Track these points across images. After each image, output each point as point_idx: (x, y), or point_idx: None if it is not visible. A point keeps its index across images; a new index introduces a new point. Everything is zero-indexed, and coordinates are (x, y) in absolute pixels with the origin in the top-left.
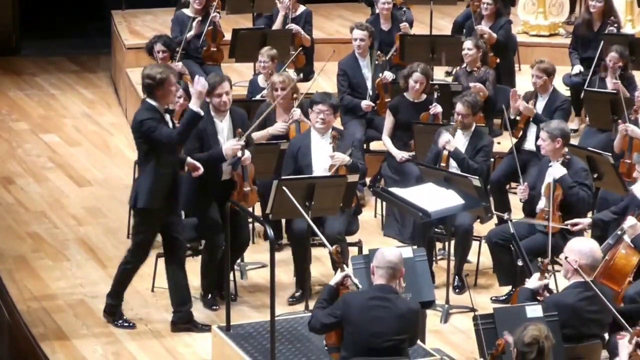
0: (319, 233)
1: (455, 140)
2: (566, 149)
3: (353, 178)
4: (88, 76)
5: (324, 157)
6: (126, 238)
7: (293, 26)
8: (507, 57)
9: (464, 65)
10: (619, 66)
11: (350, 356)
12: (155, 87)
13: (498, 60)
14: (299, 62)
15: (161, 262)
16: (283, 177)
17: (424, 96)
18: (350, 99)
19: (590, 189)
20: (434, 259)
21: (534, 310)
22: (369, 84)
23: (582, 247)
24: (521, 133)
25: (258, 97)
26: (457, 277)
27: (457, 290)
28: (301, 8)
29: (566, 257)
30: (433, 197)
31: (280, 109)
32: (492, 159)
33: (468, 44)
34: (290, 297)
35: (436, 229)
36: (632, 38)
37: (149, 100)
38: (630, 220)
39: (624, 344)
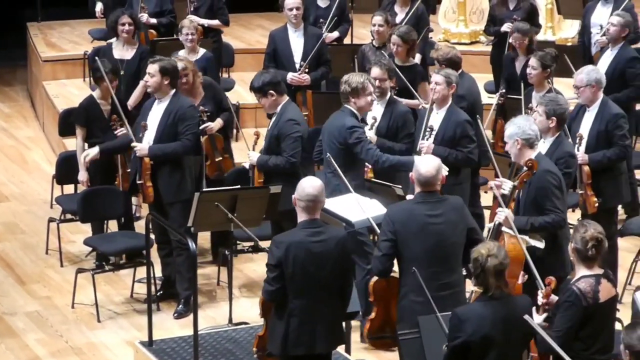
0: (255, 239)
1: (374, 112)
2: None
3: (276, 189)
4: (4, 89)
5: None
6: (45, 254)
7: (193, 17)
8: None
9: (371, 41)
10: (526, 45)
11: (296, 297)
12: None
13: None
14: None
15: (81, 277)
16: (204, 190)
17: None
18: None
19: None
20: None
21: None
22: (297, 57)
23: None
24: None
25: None
26: None
27: None
28: None
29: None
30: (356, 207)
31: (185, 94)
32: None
33: (378, 19)
34: None
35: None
36: (554, 44)
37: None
38: (500, 215)
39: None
